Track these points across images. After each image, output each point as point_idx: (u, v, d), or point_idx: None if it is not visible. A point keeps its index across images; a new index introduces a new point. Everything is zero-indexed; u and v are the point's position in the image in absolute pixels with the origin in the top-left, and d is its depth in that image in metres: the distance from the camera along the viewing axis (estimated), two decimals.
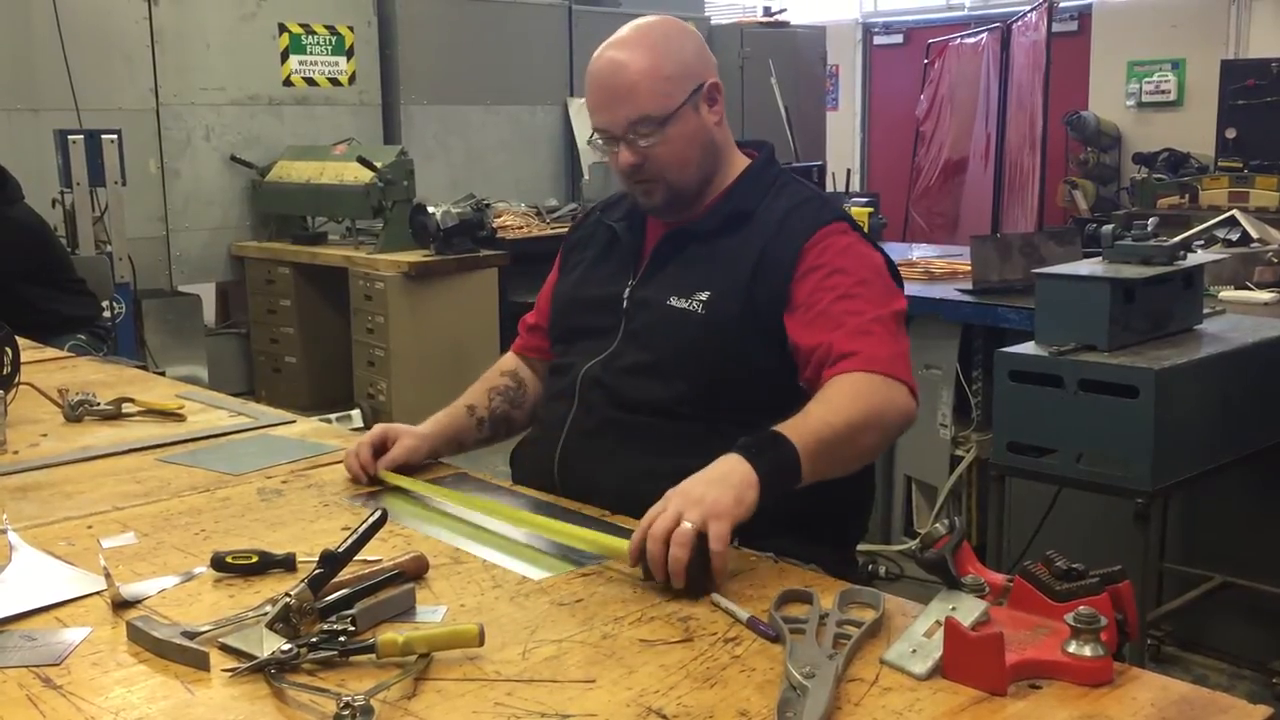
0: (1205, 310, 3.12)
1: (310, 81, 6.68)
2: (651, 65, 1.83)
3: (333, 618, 1.32)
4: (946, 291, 3.90)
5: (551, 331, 2.11)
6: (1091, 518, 3.18)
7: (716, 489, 1.46)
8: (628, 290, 1.94)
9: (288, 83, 6.61)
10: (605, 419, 1.89)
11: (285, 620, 1.31)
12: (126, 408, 2.36)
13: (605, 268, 2.02)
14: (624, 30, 1.90)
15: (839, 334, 1.74)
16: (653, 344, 1.88)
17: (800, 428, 1.60)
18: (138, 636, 1.32)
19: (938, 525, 1.35)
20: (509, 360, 2.19)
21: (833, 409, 1.65)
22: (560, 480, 1.89)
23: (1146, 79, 9.27)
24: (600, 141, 1.89)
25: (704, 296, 1.84)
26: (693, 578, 1.40)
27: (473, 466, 2.05)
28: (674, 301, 1.87)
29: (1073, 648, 1.20)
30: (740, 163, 1.98)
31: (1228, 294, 3.54)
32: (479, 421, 2.07)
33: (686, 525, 1.41)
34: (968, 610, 1.26)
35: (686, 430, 1.82)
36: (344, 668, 1.25)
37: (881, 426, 1.71)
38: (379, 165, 5.86)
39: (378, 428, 1.95)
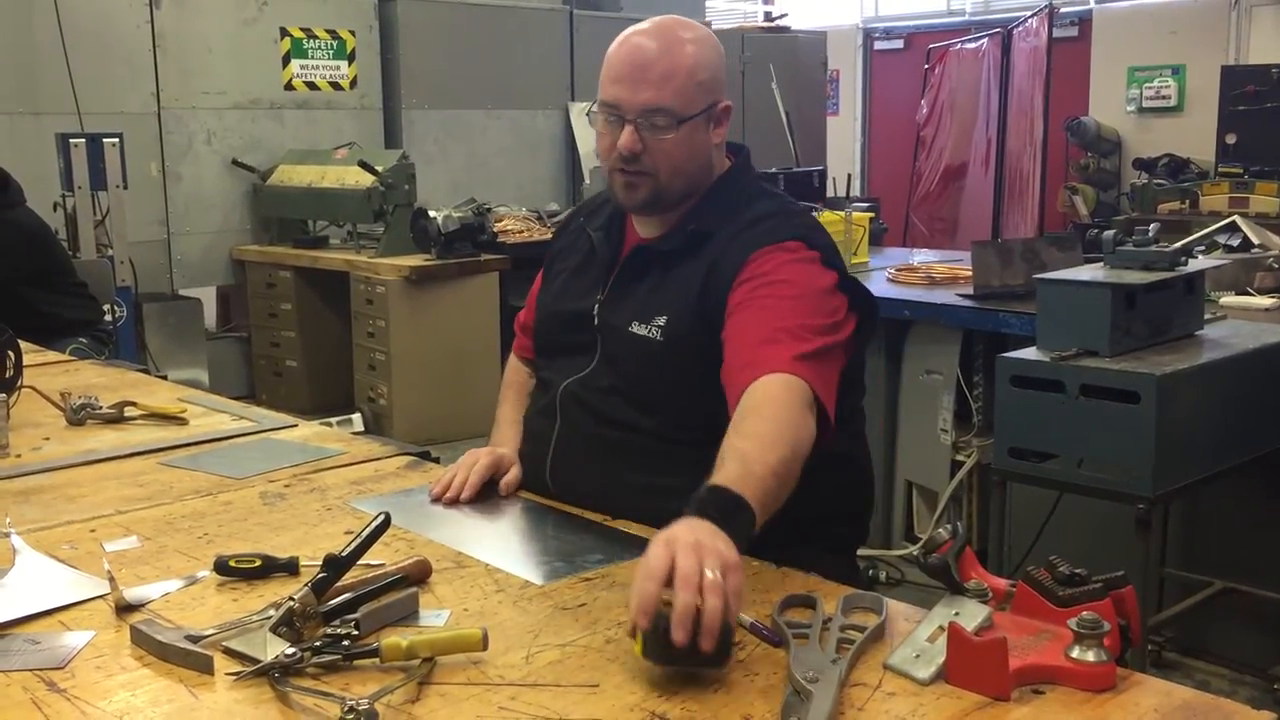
0: (1206, 316, 3.13)
1: (312, 86, 6.68)
2: (693, 64, 1.81)
3: (336, 622, 1.33)
4: (947, 297, 3.90)
5: (535, 341, 2.09)
6: (1092, 523, 3.18)
7: (718, 541, 1.28)
8: (595, 308, 1.91)
9: (289, 87, 6.60)
10: (590, 435, 1.87)
11: (289, 624, 1.31)
12: (129, 411, 2.36)
13: (581, 281, 1.98)
14: (669, 19, 1.86)
15: (757, 333, 1.67)
16: (624, 370, 1.86)
17: (749, 482, 1.44)
18: (141, 640, 1.32)
19: (940, 531, 1.35)
20: (522, 367, 2.16)
21: (765, 445, 1.52)
22: (556, 493, 1.89)
23: (1147, 84, 9.27)
24: (602, 115, 1.82)
25: (661, 321, 1.81)
26: (722, 640, 1.20)
27: None
28: (635, 328, 1.84)
29: (1076, 653, 1.20)
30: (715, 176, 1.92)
31: (1228, 299, 3.55)
32: None
33: (714, 575, 1.21)
34: (971, 615, 1.27)
35: (673, 450, 1.79)
36: (348, 672, 1.26)
37: (799, 456, 1.57)
38: (380, 169, 5.86)
39: (490, 454, 1.92)
